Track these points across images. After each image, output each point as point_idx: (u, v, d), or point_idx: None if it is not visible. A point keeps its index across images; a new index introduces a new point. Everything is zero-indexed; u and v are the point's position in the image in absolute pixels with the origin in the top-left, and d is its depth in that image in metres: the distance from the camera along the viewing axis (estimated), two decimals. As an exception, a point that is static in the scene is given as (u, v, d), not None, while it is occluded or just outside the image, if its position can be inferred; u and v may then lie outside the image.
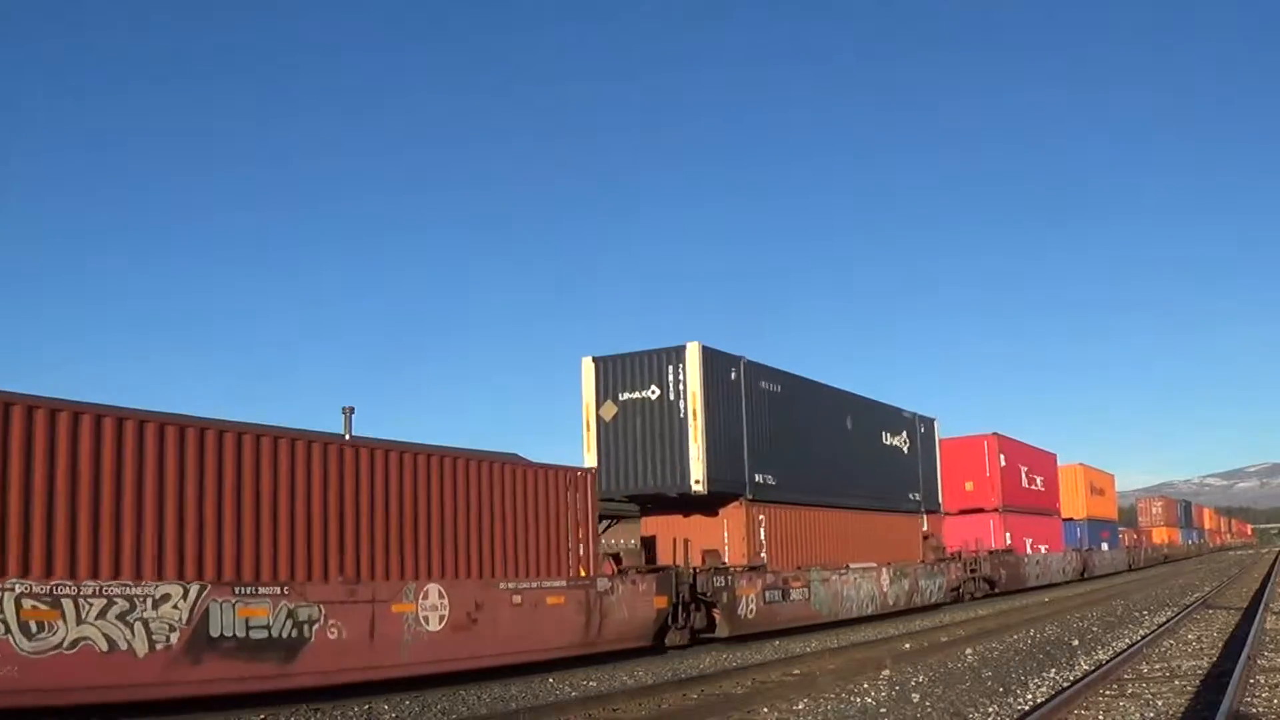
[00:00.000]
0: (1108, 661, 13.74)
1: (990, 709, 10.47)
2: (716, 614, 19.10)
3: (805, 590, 21.80)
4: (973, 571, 32.63)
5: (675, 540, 19.60)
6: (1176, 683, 11.67)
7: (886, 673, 13.40)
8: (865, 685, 12.29)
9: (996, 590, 34.14)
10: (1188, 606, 24.16)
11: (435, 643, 13.61)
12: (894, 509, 28.25)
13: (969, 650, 16.13)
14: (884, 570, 25.81)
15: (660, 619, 17.74)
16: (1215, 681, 11.32)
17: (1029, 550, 39.27)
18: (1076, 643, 16.90)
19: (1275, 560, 60.01)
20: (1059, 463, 46.56)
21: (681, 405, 20.01)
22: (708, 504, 20.65)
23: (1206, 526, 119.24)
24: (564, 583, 16.03)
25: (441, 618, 13.77)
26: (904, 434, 29.54)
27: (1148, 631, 18.32)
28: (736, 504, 20.93)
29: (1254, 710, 9.57)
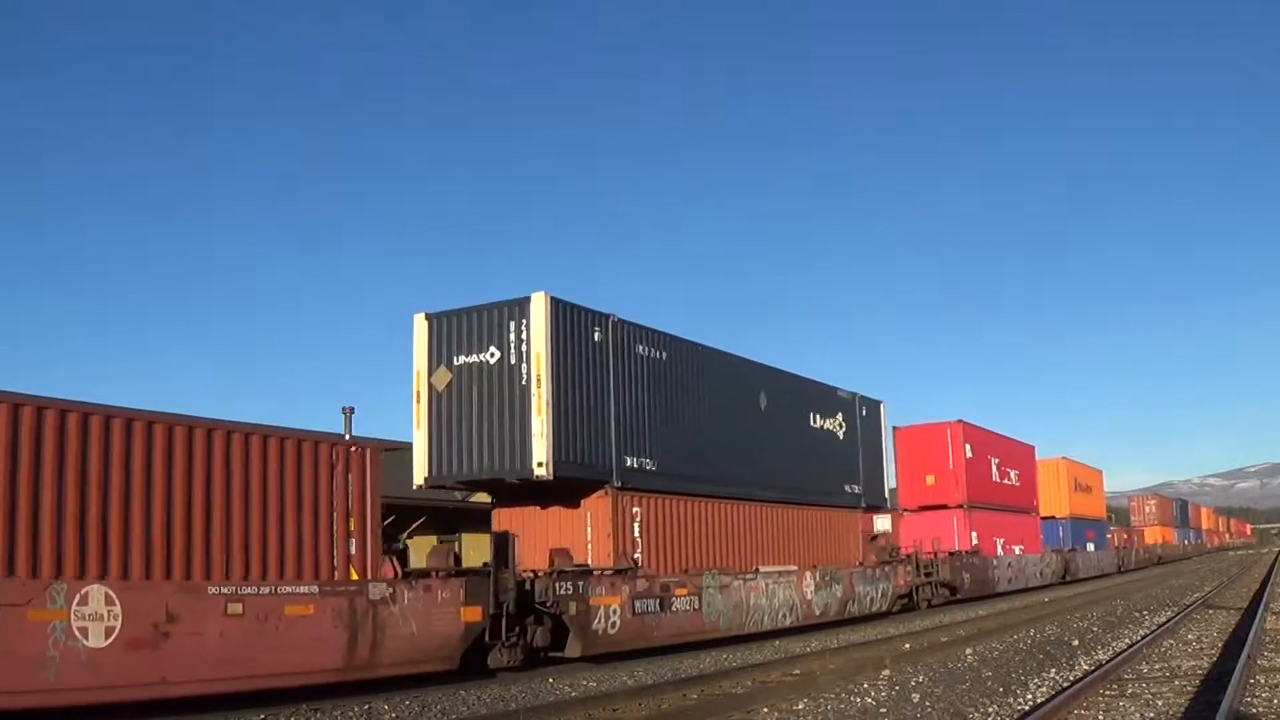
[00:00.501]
0: (1108, 661, 13.74)
1: (990, 709, 10.47)
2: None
3: (695, 599, 18.47)
4: (928, 575, 29.04)
5: (528, 538, 17.05)
6: (1176, 683, 11.67)
7: (886, 673, 13.40)
8: (865, 685, 12.29)
9: (959, 596, 30.59)
10: (1187, 607, 24.14)
11: (99, 663, 10.58)
12: (824, 503, 24.62)
13: (969, 650, 16.12)
14: (808, 574, 22.35)
15: (471, 635, 14.30)
16: (1215, 681, 11.31)
17: (1000, 551, 35.78)
18: (1076, 643, 16.90)
19: (1275, 560, 59.95)
20: (1038, 456, 43.48)
21: (524, 370, 16.67)
22: (567, 493, 17.55)
23: (1204, 526, 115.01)
24: (314, 588, 12.60)
25: (109, 630, 10.69)
26: (839, 417, 25.98)
27: (1148, 631, 18.31)
28: (601, 493, 17.51)
29: (1254, 710, 9.57)
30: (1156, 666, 13.33)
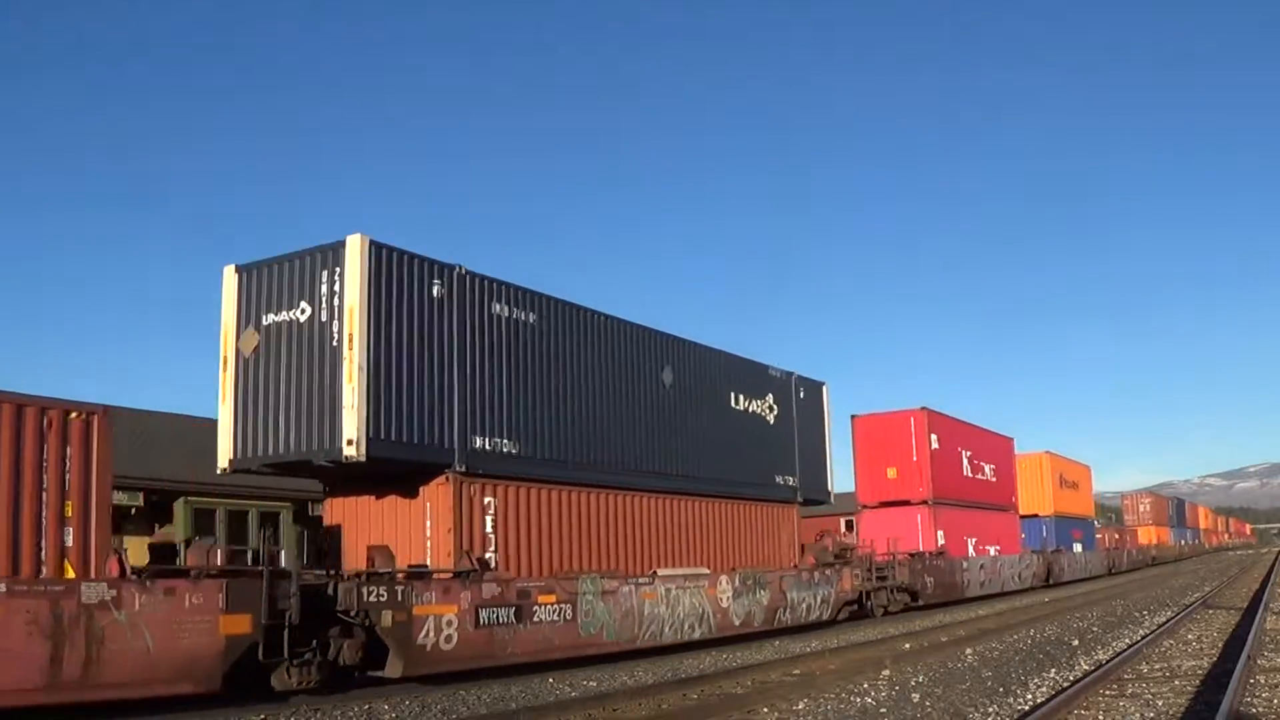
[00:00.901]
0: (1108, 661, 13.75)
1: (990, 709, 10.47)
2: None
3: (567, 608, 15.54)
4: (882, 579, 26.13)
5: (362, 533, 15.14)
6: (1176, 683, 11.67)
7: (886, 673, 13.40)
8: (865, 685, 12.29)
9: (920, 603, 27.72)
10: (1187, 607, 24.16)
11: None
12: (749, 497, 21.79)
13: (969, 650, 16.13)
14: (724, 579, 19.51)
15: (236, 651, 11.51)
16: (1215, 681, 11.32)
17: (971, 552, 32.89)
18: (1076, 643, 16.90)
19: (1275, 560, 59.93)
20: (1018, 450, 41.04)
21: (335, 328, 13.98)
22: (404, 480, 15.07)
23: (1202, 526, 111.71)
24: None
25: None
26: (769, 399, 23.07)
27: (1148, 631, 18.33)
28: (441, 480, 14.92)
29: (1254, 710, 9.57)
30: (1156, 666, 13.33)
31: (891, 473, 30.44)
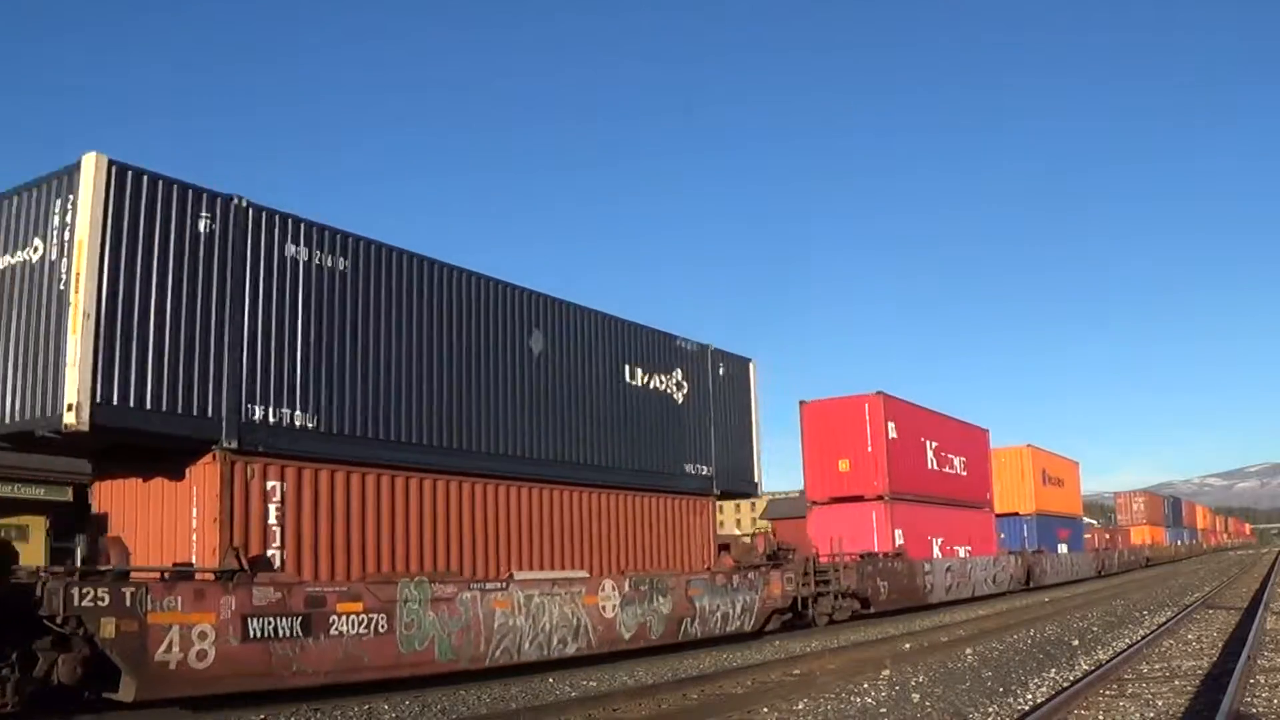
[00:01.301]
0: (1108, 661, 13.75)
1: (990, 709, 10.47)
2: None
3: (382, 618, 12.81)
4: (823, 582, 23.00)
5: (130, 523, 12.80)
6: (1176, 683, 11.67)
7: (886, 673, 13.40)
8: (865, 685, 12.29)
9: (872, 610, 24.72)
10: (1188, 607, 24.17)
11: None
12: (647, 487, 18.87)
13: (969, 650, 16.13)
14: (609, 583, 16.54)
15: None
16: (1215, 681, 11.32)
17: (936, 553, 30.01)
18: (1076, 643, 16.91)
19: (1276, 560, 59.91)
20: (994, 443, 38.37)
21: (64, 267, 11.54)
22: (170, 458, 12.57)
23: (1200, 526, 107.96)
24: None
25: None
26: (677, 375, 20.13)
27: (1148, 631, 18.33)
28: (208, 458, 12.40)
29: (1254, 710, 9.57)
30: (1156, 666, 13.33)
31: (843, 465, 27.65)
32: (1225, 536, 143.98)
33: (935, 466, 31.37)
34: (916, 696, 11.32)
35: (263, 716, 11.34)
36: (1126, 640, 17.03)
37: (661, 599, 17.72)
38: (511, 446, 16.21)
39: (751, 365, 22.96)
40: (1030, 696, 11.22)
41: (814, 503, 28.11)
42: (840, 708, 10.81)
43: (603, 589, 16.52)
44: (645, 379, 19.40)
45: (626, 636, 16.78)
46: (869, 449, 27.64)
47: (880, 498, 27.52)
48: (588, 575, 16.83)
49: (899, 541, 27.65)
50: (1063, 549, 45.13)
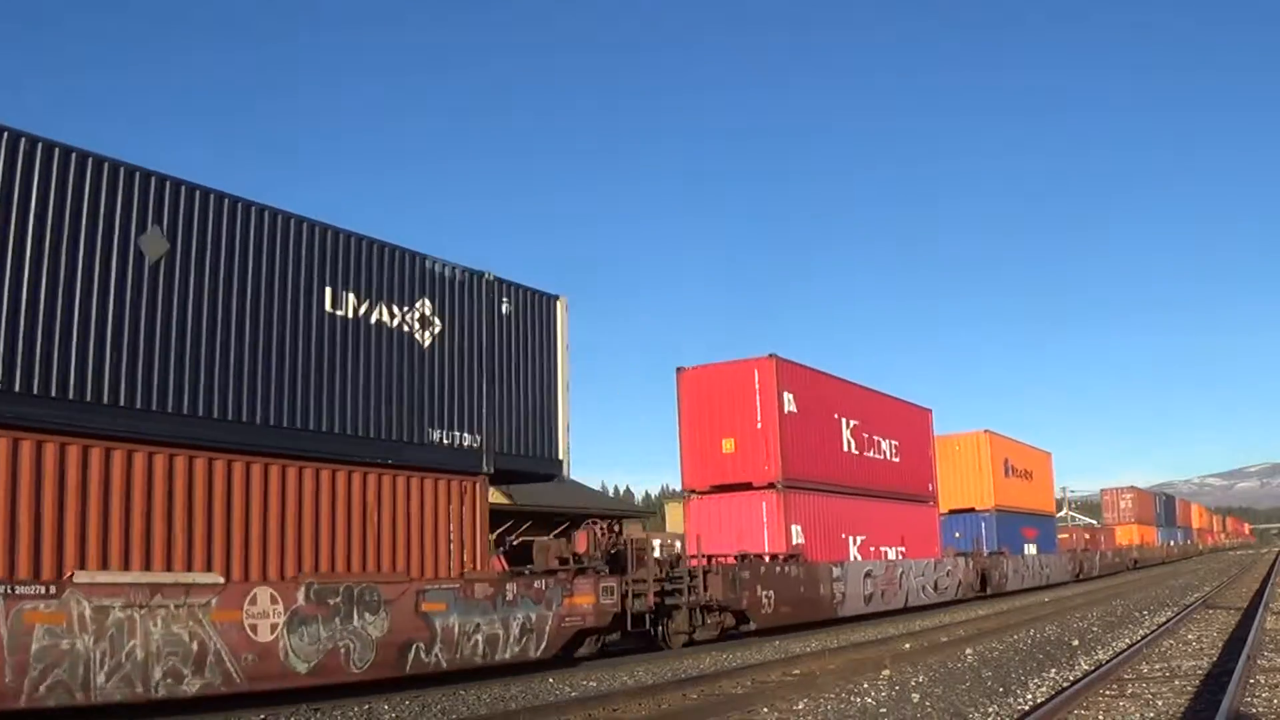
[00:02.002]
0: (1108, 661, 13.76)
1: (990, 709, 10.48)
2: None
3: None
4: (675, 592, 18.43)
5: None
6: (1176, 683, 11.68)
7: (886, 673, 13.41)
8: (865, 685, 12.30)
9: (754, 627, 20.25)
10: (1188, 607, 24.20)
11: None
12: (364, 461, 13.89)
13: (969, 650, 16.14)
14: (267, 593, 11.77)
15: None
16: (1215, 681, 11.33)
17: (854, 555, 25.18)
18: (1076, 643, 16.92)
19: (1276, 560, 59.92)
20: (949, 428, 34.62)
21: None
22: None
23: (1195, 525, 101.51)
24: None
25: None
26: (422, 307, 15.06)
27: (1148, 632, 18.35)
28: None
29: (1254, 710, 9.57)
30: (1156, 666, 13.34)
31: (727, 445, 22.75)
32: (1223, 536, 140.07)
33: (854, 450, 26.25)
34: (916, 696, 11.32)
35: (263, 716, 11.35)
36: (1126, 640, 17.05)
37: (370, 617, 12.81)
38: (105, 392, 11.19)
39: (560, 304, 17.43)
40: (1030, 696, 11.23)
41: (692, 492, 23.16)
42: (840, 708, 10.81)
43: (252, 601, 11.61)
44: (362, 309, 14.19)
45: (302, 670, 11.96)
46: (758, 425, 22.68)
47: (772, 486, 22.51)
48: (219, 580, 11.70)
49: (797, 540, 22.68)
50: (1030, 550, 40.21)
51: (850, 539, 25.58)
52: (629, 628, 17.42)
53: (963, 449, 36.78)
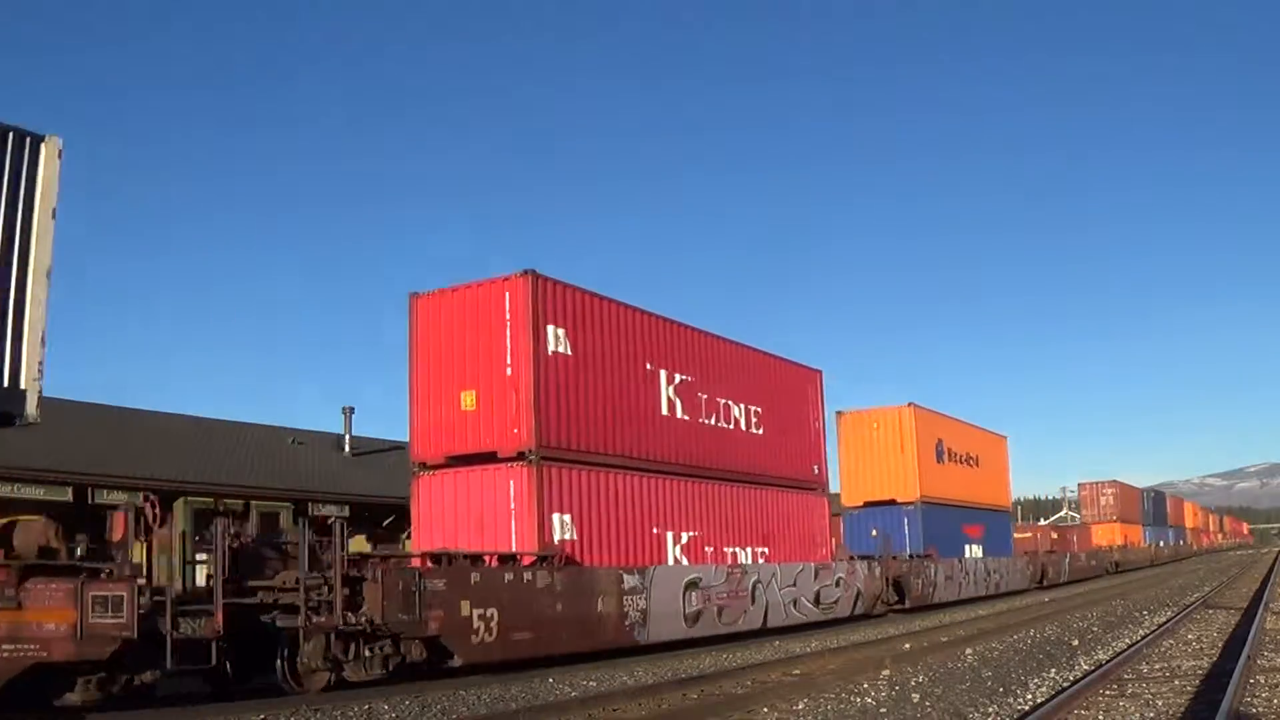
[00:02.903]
0: (1108, 661, 13.77)
1: (990, 709, 10.48)
2: None
3: None
4: (317, 607, 12.58)
5: None
6: (1176, 682, 11.68)
7: (886, 673, 13.41)
8: (865, 685, 12.30)
9: (460, 663, 13.99)
10: (1187, 607, 24.19)
11: None
12: None
13: (969, 650, 16.14)
14: None
15: None
16: (1215, 681, 11.32)
17: (673, 557, 18.58)
18: (1076, 643, 16.92)
19: (1275, 561, 59.88)
20: (875, 401, 30.24)
21: None
22: None
23: (1188, 524, 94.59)
24: None
25: None
26: None
27: (1147, 632, 18.35)
28: None
29: (1254, 710, 9.57)
30: (1156, 666, 13.35)
31: (468, 400, 16.66)
32: (1219, 536, 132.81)
33: (681, 414, 19.63)
34: (916, 696, 11.32)
35: (262, 717, 11.35)
36: (1126, 640, 17.05)
37: None
38: None
39: (47, 147, 11.24)
40: (1030, 696, 11.23)
41: (422, 466, 17.11)
42: (840, 708, 10.81)
43: None
44: None
45: None
46: (508, 370, 16.36)
47: (522, 457, 16.02)
48: None
49: (563, 535, 16.27)
50: (974, 551, 33.61)
51: (668, 536, 18.77)
52: (207, 661, 11.86)
53: (882, 427, 30.10)
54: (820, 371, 26.02)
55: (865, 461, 30.16)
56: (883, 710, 10.56)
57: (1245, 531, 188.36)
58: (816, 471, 24.89)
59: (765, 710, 10.85)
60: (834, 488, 28.04)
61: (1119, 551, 57.42)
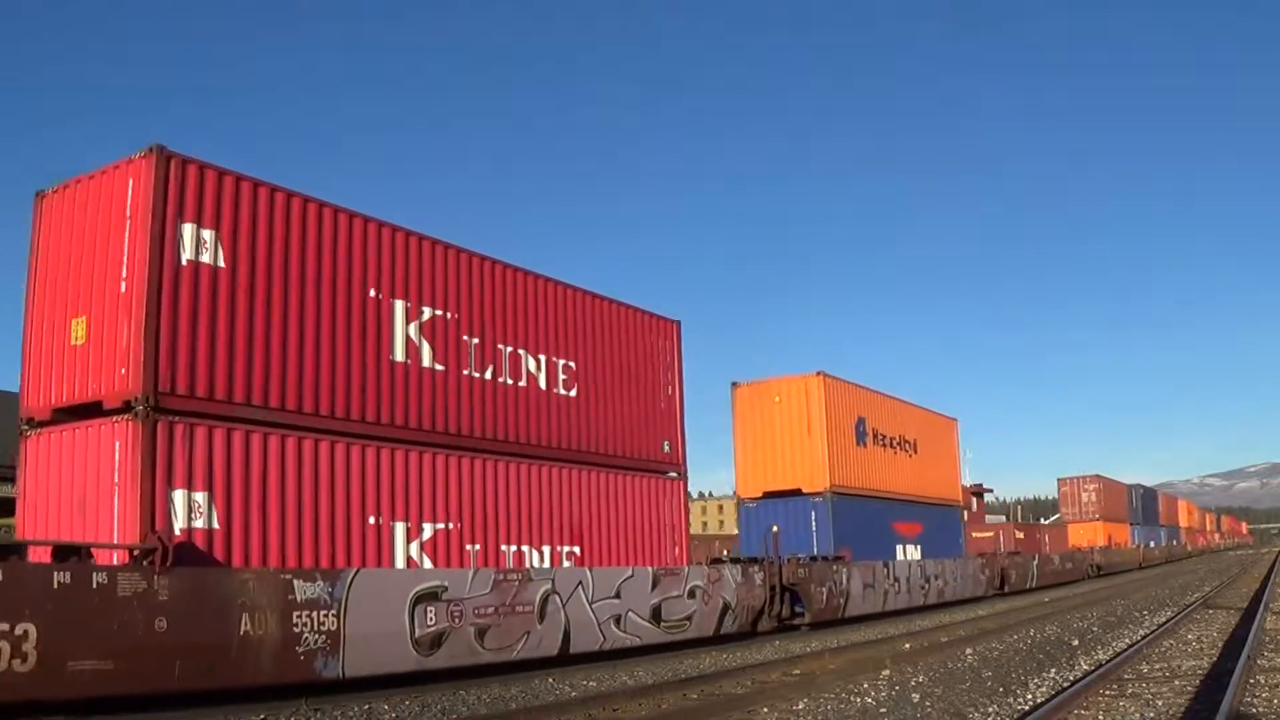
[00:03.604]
0: (1108, 661, 13.77)
1: (990, 709, 10.48)
2: None
3: None
4: None
5: None
6: (1176, 683, 11.68)
7: (886, 673, 13.41)
8: (865, 685, 12.30)
9: None
10: (1187, 607, 24.19)
11: None
12: None
13: (969, 650, 16.14)
14: None
15: None
16: (1215, 681, 11.34)
17: (404, 558, 13.83)
18: (1076, 643, 16.92)
19: (1275, 561, 59.87)
20: (781, 370, 25.50)
21: None
22: None
23: (1182, 524, 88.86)
24: None
25: None
26: None
27: (1148, 632, 18.35)
28: None
29: (1254, 710, 9.58)
30: (1156, 666, 13.35)
31: (78, 330, 12.21)
32: (1217, 537, 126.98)
33: (431, 363, 14.94)
34: (916, 696, 11.32)
35: (262, 717, 11.34)
36: (1126, 640, 17.05)
37: None
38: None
39: None
40: (1030, 696, 11.23)
41: (30, 423, 12.38)
42: (840, 708, 10.81)
43: None
44: None
45: None
46: (121, 287, 11.85)
47: (128, 407, 11.47)
48: None
49: (194, 522, 11.63)
50: (909, 554, 28.54)
51: (397, 528, 14.04)
52: None
53: (785, 401, 24.98)
54: (678, 322, 20.34)
55: (765, 444, 25.17)
56: (883, 710, 10.56)
57: (1245, 531, 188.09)
58: (668, 450, 19.52)
59: (765, 710, 10.85)
60: (732, 476, 24.69)
61: (1100, 553, 52.24)
